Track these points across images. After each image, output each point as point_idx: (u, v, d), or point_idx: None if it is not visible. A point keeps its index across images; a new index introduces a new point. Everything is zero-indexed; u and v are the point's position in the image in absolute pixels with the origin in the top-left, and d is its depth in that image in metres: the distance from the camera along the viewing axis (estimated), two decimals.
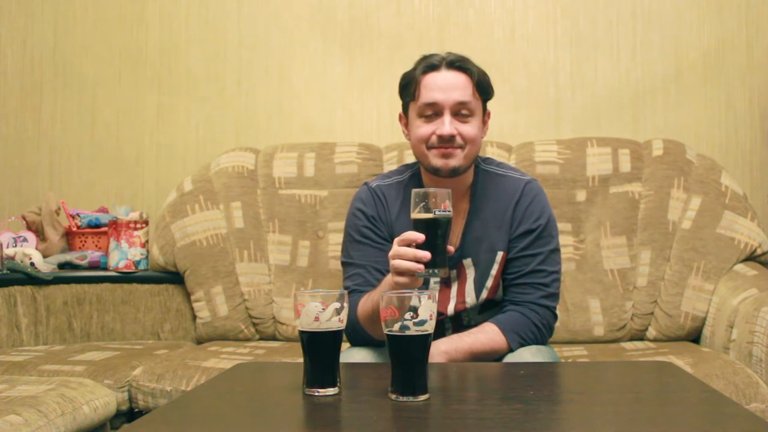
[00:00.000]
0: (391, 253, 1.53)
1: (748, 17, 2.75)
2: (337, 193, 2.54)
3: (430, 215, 1.47)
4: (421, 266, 1.48)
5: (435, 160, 1.74)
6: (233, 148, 2.73)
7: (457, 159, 1.74)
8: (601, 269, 2.39)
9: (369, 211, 1.83)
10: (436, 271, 1.50)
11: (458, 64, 1.74)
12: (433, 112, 1.73)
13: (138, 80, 2.98)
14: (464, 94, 1.72)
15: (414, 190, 1.49)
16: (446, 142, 1.72)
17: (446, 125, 1.71)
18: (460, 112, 1.73)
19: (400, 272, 1.50)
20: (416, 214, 1.48)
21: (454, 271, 1.80)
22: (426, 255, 1.48)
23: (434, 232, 1.48)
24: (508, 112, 2.78)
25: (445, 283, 1.81)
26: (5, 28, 3.03)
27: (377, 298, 1.64)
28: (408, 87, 1.78)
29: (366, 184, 1.89)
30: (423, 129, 1.74)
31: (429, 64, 1.75)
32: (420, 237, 1.48)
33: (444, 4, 2.85)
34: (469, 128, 1.73)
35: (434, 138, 1.74)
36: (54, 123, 3.01)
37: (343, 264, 1.85)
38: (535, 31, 2.82)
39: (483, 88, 1.76)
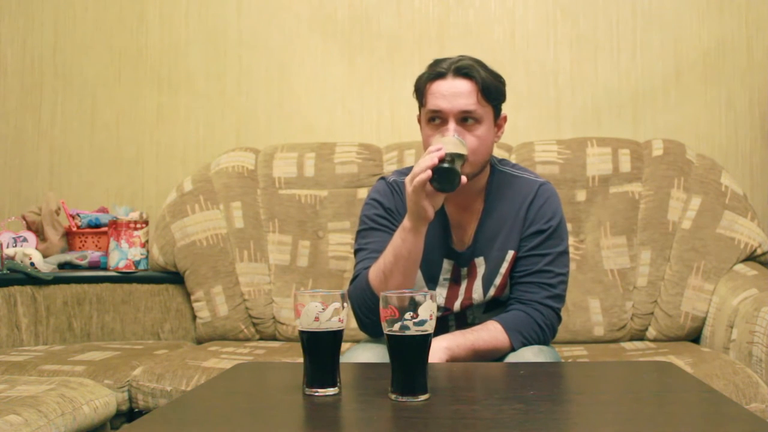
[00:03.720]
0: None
1: (748, 17, 2.74)
2: (337, 193, 2.54)
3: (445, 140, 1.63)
4: (436, 162, 1.58)
5: None
6: (233, 148, 2.73)
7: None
8: (601, 269, 2.39)
9: (386, 203, 1.83)
10: (453, 168, 1.59)
11: (465, 71, 1.71)
12: (439, 119, 1.72)
13: (138, 80, 2.98)
14: (468, 102, 1.70)
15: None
16: None
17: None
18: (465, 120, 1.72)
19: (419, 171, 1.59)
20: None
21: (465, 269, 1.81)
22: (442, 154, 1.59)
23: (450, 154, 1.61)
24: (508, 112, 2.75)
25: (455, 281, 1.81)
26: (5, 28, 3.03)
27: (389, 251, 1.67)
28: (418, 92, 1.78)
29: (383, 178, 1.90)
30: (429, 139, 1.74)
31: (436, 72, 1.73)
32: (438, 148, 1.61)
33: (444, 4, 2.85)
34: (473, 139, 1.71)
35: None
36: (54, 123, 3.01)
37: (356, 252, 1.83)
38: (535, 31, 2.82)
39: (490, 94, 1.73)
